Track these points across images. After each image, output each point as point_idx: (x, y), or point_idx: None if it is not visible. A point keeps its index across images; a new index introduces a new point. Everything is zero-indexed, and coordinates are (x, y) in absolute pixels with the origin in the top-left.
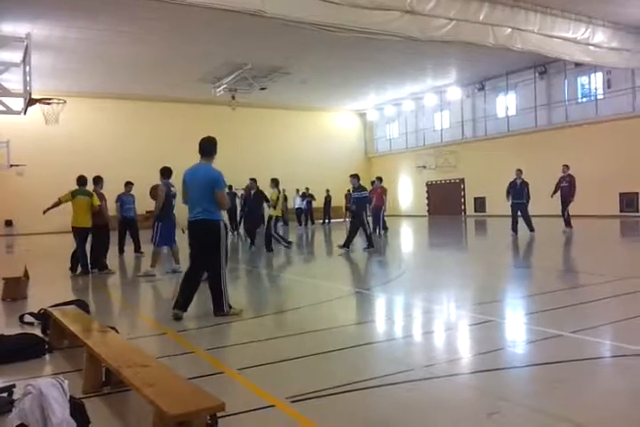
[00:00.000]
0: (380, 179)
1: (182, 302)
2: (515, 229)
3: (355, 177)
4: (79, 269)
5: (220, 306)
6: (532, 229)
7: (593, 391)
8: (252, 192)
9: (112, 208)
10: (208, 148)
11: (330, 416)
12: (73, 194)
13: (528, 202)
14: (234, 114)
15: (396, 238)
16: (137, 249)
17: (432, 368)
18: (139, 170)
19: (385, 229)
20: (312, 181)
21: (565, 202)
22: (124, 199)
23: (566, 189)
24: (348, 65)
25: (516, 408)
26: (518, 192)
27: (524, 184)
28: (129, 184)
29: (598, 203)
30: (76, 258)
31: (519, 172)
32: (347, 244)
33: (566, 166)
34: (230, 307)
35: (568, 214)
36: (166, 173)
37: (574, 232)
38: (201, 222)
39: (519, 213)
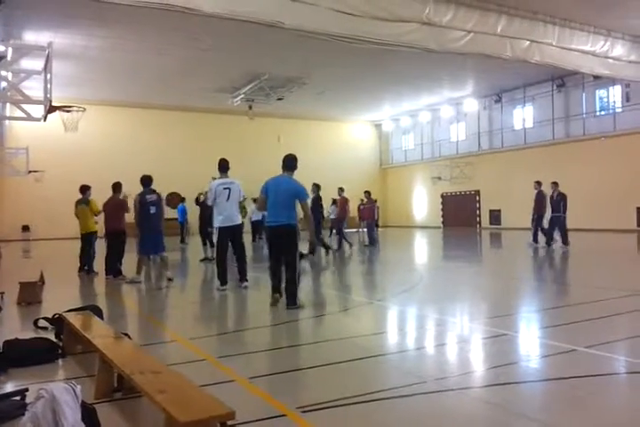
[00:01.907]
0: (342, 189)
1: (277, 287)
2: (548, 242)
3: None
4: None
5: (292, 299)
6: (564, 243)
7: (607, 408)
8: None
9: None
10: (291, 163)
11: None
12: (76, 205)
13: (564, 214)
14: (250, 123)
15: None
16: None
17: (445, 381)
18: (156, 178)
19: (349, 243)
20: (326, 190)
21: (537, 217)
22: None
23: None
24: (365, 76)
25: (529, 424)
26: (555, 205)
27: (561, 196)
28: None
29: (614, 217)
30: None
31: (554, 185)
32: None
33: (538, 183)
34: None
35: (537, 230)
36: (144, 181)
37: (585, 248)
38: (284, 227)
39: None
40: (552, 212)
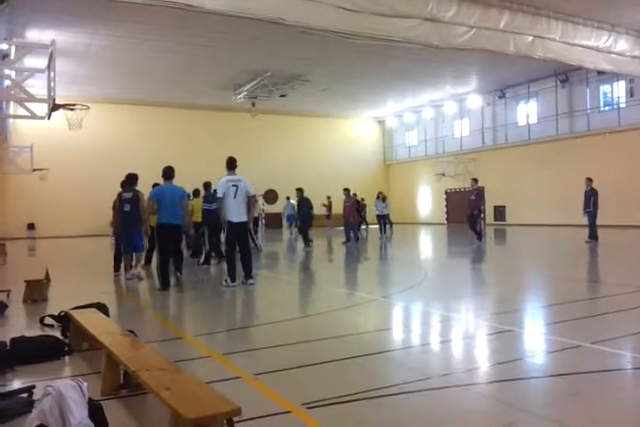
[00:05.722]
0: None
1: (167, 282)
2: (591, 236)
3: (205, 185)
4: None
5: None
6: (590, 237)
7: (612, 404)
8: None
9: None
10: (172, 174)
11: (345, 423)
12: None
13: (595, 210)
14: (253, 121)
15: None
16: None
17: (449, 377)
18: (159, 174)
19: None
20: (330, 187)
21: (472, 215)
22: None
23: (473, 202)
24: (368, 72)
25: (534, 420)
26: (587, 201)
27: (592, 192)
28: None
29: (620, 213)
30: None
31: (589, 180)
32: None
33: (475, 180)
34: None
35: (480, 227)
36: (127, 179)
37: (599, 244)
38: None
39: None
40: (584, 207)
